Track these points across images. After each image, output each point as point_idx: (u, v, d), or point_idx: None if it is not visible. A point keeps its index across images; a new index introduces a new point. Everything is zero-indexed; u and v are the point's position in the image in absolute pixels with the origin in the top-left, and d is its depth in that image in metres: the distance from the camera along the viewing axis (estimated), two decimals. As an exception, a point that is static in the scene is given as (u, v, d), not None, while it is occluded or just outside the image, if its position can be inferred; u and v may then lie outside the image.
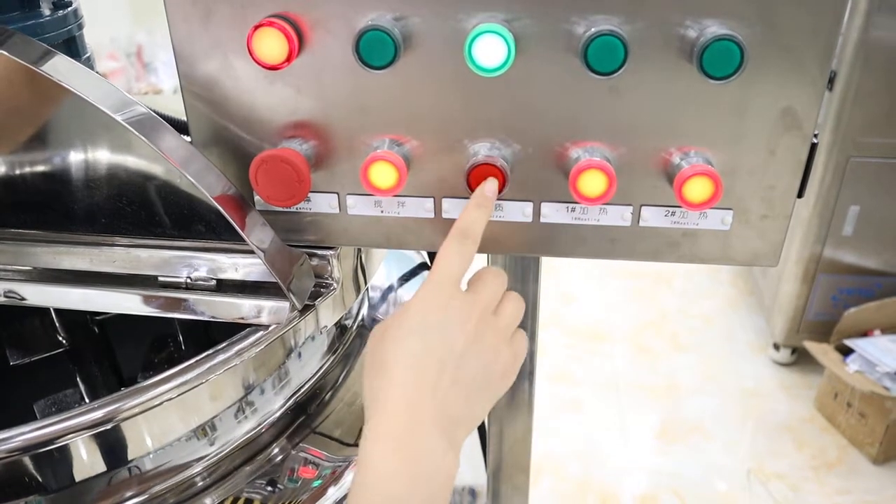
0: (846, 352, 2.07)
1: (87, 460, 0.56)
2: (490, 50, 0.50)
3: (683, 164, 0.54)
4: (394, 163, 0.53)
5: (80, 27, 0.72)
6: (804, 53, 0.51)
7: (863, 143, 1.95)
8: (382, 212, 0.59)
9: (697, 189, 0.53)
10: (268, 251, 0.56)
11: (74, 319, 0.78)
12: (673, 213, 0.57)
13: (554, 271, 2.66)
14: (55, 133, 0.60)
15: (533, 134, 0.55)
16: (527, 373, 0.79)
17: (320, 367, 0.72)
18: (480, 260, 0.70)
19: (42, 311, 0.76)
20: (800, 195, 0.57)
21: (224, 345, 0.58)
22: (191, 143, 0.58)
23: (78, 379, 0.82)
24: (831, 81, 1.93)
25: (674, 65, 0.51)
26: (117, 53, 3.04)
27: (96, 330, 0.80)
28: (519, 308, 0.55)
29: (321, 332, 0.70)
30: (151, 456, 0.59)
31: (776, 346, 2.30)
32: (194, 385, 0.56)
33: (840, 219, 2.05)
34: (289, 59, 0.52)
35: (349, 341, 0.78)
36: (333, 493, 0.65)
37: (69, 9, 0.70)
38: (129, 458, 0.58)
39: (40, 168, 0.62)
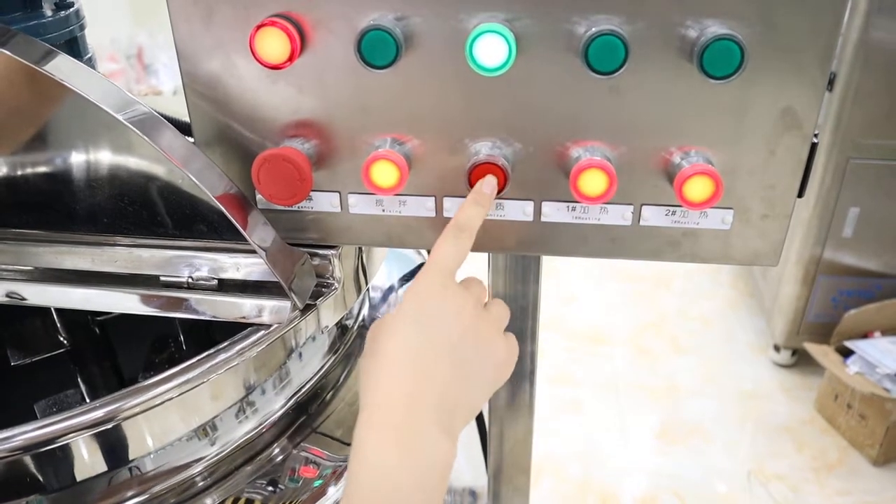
0: (846, 353, 2.07)
1: (87, 460, 0.56)
2: (491, 49, 0.50)
3: (684, 163, 0.54)
4: (395, 162, 0.53)
5: (82, 28, 0.72)
6: (804, 53, 0.51)
7: (863, 144, 1.95)
8: (384, 211, 0.59)
9: (698, 188, 0.53)
10: (269, 250, 0.56)
11: (76, 320, 0.78)
12: (673, 213, 0.57)
13: (554, 272, 2.66)
14: (57, 133, 0.60)
15: (534, 133, 0.55)
16: (527, 373, 0.79)
17: (321, 367, 0.72)
18: (482, 259, 0.70)
19: (43, 312, 0.76)
20: (800, 195, 0.57)
21: (225, 344, 0.58)
22: (193, 142, 0.58)
23: (79, 379, 0.82)
24: (831, 82, 1.93)
25: (674, 64, 0.51)
26: (117, 55, 3.04)
27: (97, 330, 0.80)
28: (505, 310, 0.55)
29: (322, 332, 0.70)
30: (152, 456, 0.59)
31: (776, 348, 2.30)
32: (195, 385, 0.56)
33: (840, 220, 2.05)
34: (291, 59, 0.52)
35: (350, 341, 0.78)
36: (334, 492, 0.65)
37: (71, 9, 0.70)
38: (130, 457, 0.58)
39: (42, 168, 0.62)
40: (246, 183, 0.57)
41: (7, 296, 0.64)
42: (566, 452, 1.99)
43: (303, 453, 0.68)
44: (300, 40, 0.52)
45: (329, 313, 0.65)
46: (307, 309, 0.60)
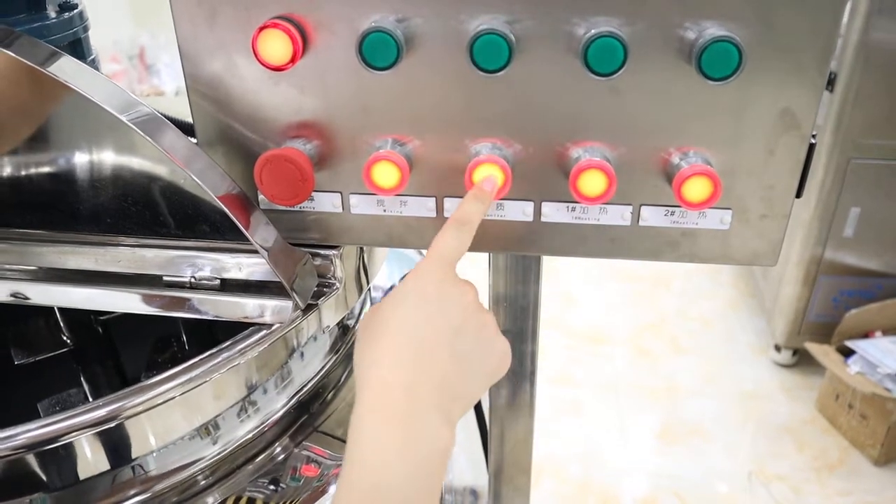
0: (847, 353, 2.07)
1: (90, 458, 0.57)
2: (491, 51, 0.50)
3: (683, 163, 0.54)
4: (396, 162, 0.54)
5: (86, 29, 0.72)
6: (802, 54, 0.51)
7: (863, 144, 1.95)
8: (385, 211, 0.60)
9: (696, 189, 0.53)
10: (271, 250, 0.57)
11: (79, 319, 0.78)
12: (672, 213, 0.58)
13: (554, 273, 2.66)
14: (61, 133, 0.60)
15: (534, 134, 0.55)
16: (528, 374, 0.79)
17: (322, 367, 0.73)
18: (482, 259, 0.70)
19: (47, 311, 0.77)
20: (798, 195, 0.57)
21: (227, 344, 0.58)
22: (196, 142, 0.59)
23: (82, 379, 0.82)
24: (832, 83, 1.93)
25: (673, 66, 0.52)
26: (120, 56, 3.05)
27: (100, 330, 0.80)
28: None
29: (323, 332, 0.71)
30: (154, 454, 0.59)
31: (777, 348, 2.30)
32: (197, 384, 0.56)
33: (841, 220, 2.05)
34: (293, 60, 0.52)
35: (351, 341, 0.78)
36: (335, 491, 0.65)
37: (75, 11, 0.70)
38: (133, 456, 0.58)
39: (46, 168, 0.62)
40: (248, 183, 0.58)
41: (11, 295, 0.64)
42: (566, 453, 2.00)
43: (304, 452, 0.68)
44: (302, 42, 0.52)
45: (330, 313, 0.65)
46: (309, 309, 0.61)
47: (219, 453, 0.63)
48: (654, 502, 1.88)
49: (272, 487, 0.65)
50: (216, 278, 0.61)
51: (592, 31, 0.50)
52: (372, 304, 0.85)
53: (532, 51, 0.52)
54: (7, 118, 0.60)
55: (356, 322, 0.79)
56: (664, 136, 0.55)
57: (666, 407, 2.16)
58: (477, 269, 0.69)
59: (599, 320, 2.52)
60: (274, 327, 0.59)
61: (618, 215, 0.58)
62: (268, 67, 0.52)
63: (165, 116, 0.56)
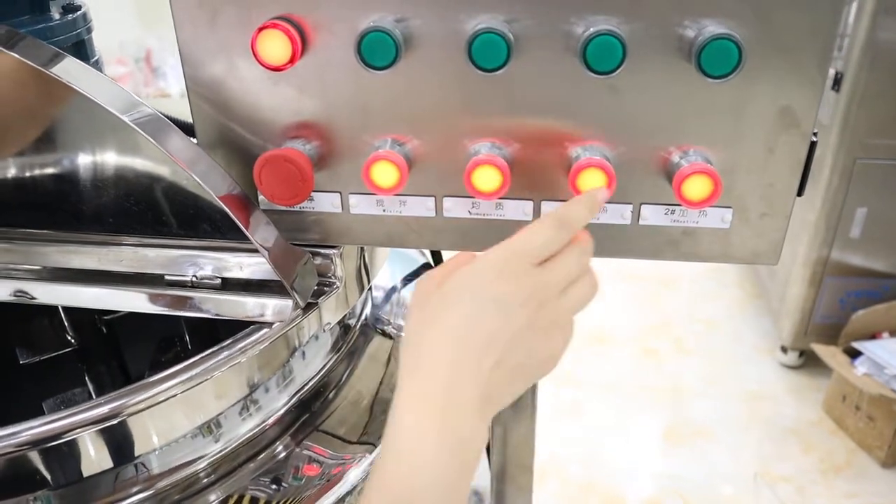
0: (854, 354, 2.06)
1: (94, 456, 0.57)
2: (490, 50, 0.50)
3: (683, 162, 0.54)
4: (395, 162, 0.54)
5: (89, 31, 0.73)
6: (802, 52, 0.51)
7: (870, 144, 1.94)
8: (384, 211, 0.60)
9: (697, 187, 0.53)
10: (272, 250, 0.57)
11: (83, 319, 0.79)
12: (672, 212, 0.58)
13: (559, 274, 2.65)
14: (65, 134, 0.61)
15: (533, 133, 0.55)
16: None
17: (324, 366, 0.73)
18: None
19: (51, 311, 0.77)
20: (799, 193, 0.57)
21: (227, 342, 0.58)
22: (197, 143, 0.59)
23: (86, 378, 0.83)
24: (838, 83, 1.92)
25: (672, 64, 0.52)
26: (126, 58, 3.07)
27: (104, 330, 0.81)
28: (589, 295, 0.51)
29: (324, 331, 0.71)
30: (157, 452, 0.60)
31: (783, 349, 2.29)
32: (198, 382, 0.57)
33: (847, 221, 2.04)
34: (292, 61, 0.52)
35: (353, 340, 0.78)
36: (337, 490, 0.65)
37: (78, 13, 0.71)
38: (136, 454, 0.59)
39: (50, 168, 0.63)
40: (249, 183, 0.58)
41: (17, 294, 0.65)
42: (570, 454, 1.99)
43: (305, 451, 0.68)
44: (301, 42, 0.52)
45: (331, 312, 0.66)
46: (309, 308, 0.61)
47: (220, 451, 0.64)
48: (659, 503, 1.87)
49: (274, 486, 0.65)
50: (217, 277, 0.62)
51: (591, 29, 0.50)
52: (374, 303, 0.85)
53: (531, 50, 0.52)
54: (11, 120, 0.61)
55: (357, 321, 0.80)
56: (664, 134, 0.55)
57: (671, 408, 2.16)
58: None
59: (604, 321, 2.52)
60: (274, 326, 0.60)
61: (618, 214, 0.58)
62: (267, 68, 0.53)
63: (168, 117, 0.56)
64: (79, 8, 0.72)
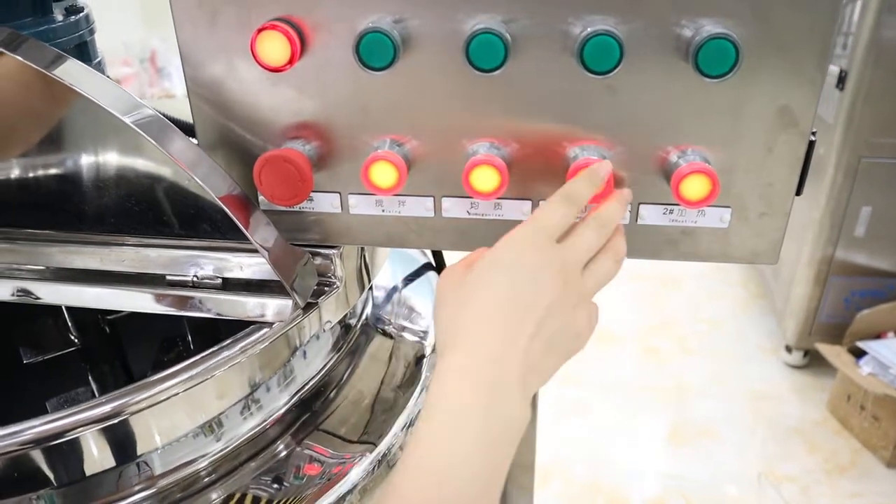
0: (859, 354, 2.05)
1: (96, 455, 0.57)
2: (488, 51, 0.50)
3: (681, 161, 0.54)
4: (394, 162, 0.54)
5: (92, 32, 0.73)
6: (800, 52, 0.51)
7: (874, 143, 1.94)
8: (384, 211, 0.60)
9: (695, 187, 0.53)
10: (272, 250, 0.57)
11: (86, 319, 0.79)
12: (671, 211, 0.58)
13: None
14: (67, 135, 0.61)
15: (531, 133, 0.56)
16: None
17: (325, 365, 0.73)
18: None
19: (55, 311, 0.78)
20: (798, 192, 0.57)
21: (228, 342, 0.59)
22: (197, 144, 0.59)
23: (89, 377, 0.83)
24: (842, 81, 1.92)
25: (670, 64, 0.52)
26: (131, 59, 3.08)
27: (107, 329, 0.81)
28: (612, 271, 0.53)
29: (324, 330, 0.71)
30: (159, 451, 0.60)
31: (788, 349, 2.29)
32: (200, 381, 0.57)
33: (852, 220, 2.04)
34: (291, 62, 0.53)
35: (353, 339, 0.79)
36: (338, 489, 0.65)
37: (80, 14, 0.71)
38: (138, 453, 0.59)
39: (53, 169, 0.63)
40: (249, 184, 0.58)
41: (20, 294, 0.65)
42: (574, 454, 1.99)
43: (306, 451, 0.68)
44: (300, 43, 0.53)
45: (331, 311, 0.66)
46: (309, 308, 0.61)
47: (222, 450, 0.64)
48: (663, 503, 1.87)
49: (275, 485, 0.66)
50: (218, 277, 0.62)
51: (588, 29, 0.50)
52: (374, 302, 0.86)
53: (528, 50, 0.52)
54: (14, 121, 0.61)
55: (358, 320, 0.80)
56: (662, 134, 0.55)
57: (675, 408, 2.15)
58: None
59: (607, 320, 2.50)
60: (274, 326, 0.60)
61: (616, 214, 0.58)
62: (267, 69, 0.53)
63: (169, 118, 0.57)
64: (81, 10, 0.72)
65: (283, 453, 0.67)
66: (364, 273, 0.70)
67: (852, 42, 1.88)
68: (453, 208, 0.59)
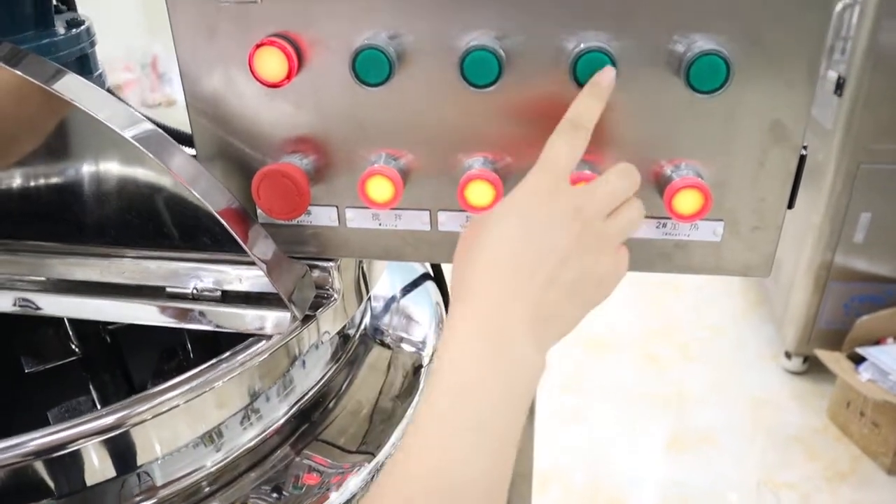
0: (858, 360, 2.05)
1: (97, 466, 0.58)
2: (482, 67, 0.51)
3: (674, 176, 0.55)
4: (390, 177, 0.55)
5: (93, 45, 0.74)
6: (790, 67, 0.52)
7: (873, 149, 1.94)
8: (380, 224, 0.61)
9: (688, 201, 0.54)
10: (270, 263, 0.58)
11: (87, 329, 0.80)
12: (664, 225, 0.58)
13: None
14: (68, 148, 0.62)
15: (526, 148, 0.56)
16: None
17: (324, 375, 0.74)
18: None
19: (56, 321, 0.78)
20: (790, 206, 0.57)
21: (228, 354, 0.59)
22: (196, 156, 0.60)
23: (90, 387, 0.84)
24: (841, 87, 1.92)
25: (662, 79, 0.52)
26: (133, 65, 3.09)
27: (108, 339, 0.82)
28: (635, 219, 0.51)
29: (323, 342, 0.72)
30: (160, 462, 0.61)
31: (787, 355, 2.29)
32: (200, 392, 0.57)
33: (851, 226, 2.04)
34: (289, 77, 0.53)
35: (352, 349, 0.79)
36: (336, 499, 0.66)
37: (82, 27, 0.72)
38: (139, 463, 0.60)
39: (53, 182, 0.64)
40: (247, 196, 0.59)
41: (22, 305, 0.66)
42: (574, 461, 2.00)
43: (305, 461, 0.69)
44: (297, 59, 0.53)
45: (329, 323, 0.67)
46: (307, 319, 0.62)
47: (222, 460, 0.64)
48: (663, 510, 1.88)
49: (274, 495, 0.66)
50: (217, 290, 0.62)
51: (581, 45, 0.51)
52: (373, 313, 0.86)
53: (522, 66, 0.53)
54: (16, 134, 0.62)
55: (357, 331, 0.81)
56: (654, 148, 0.55)
57: (675, 415, 2.15)
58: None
59: (608, 327, 2.52)
60: (273, 338, 0.61)
61: (610, 227, 0.59)
62: (264, 84, 0.54)
63: (169, 129, 0.58)
64: (82, 23, 0.73)
65: (283, 463, 0.68)
66: (362, 284, 0.71)
67: (850, 47, 1.88)
68: (449, 222, 0.60)
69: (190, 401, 0.57)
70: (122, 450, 0.58)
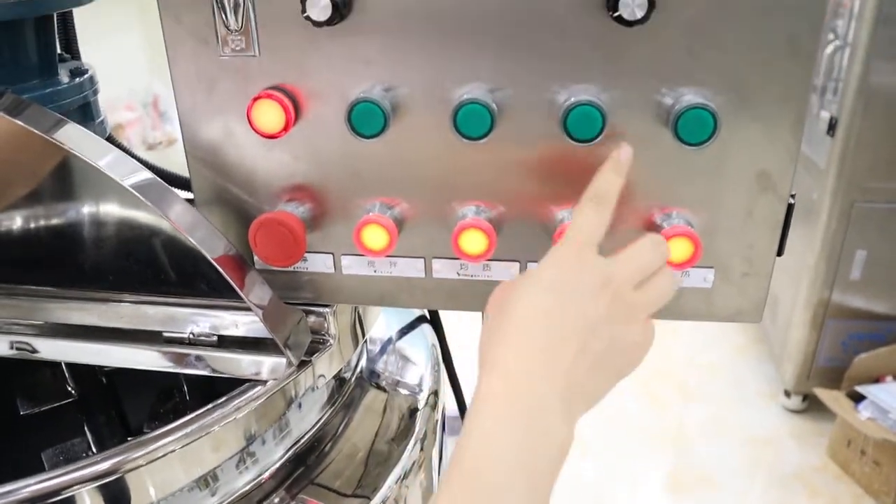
0: (858, 398, 2.05)
1: (91, 512, 0.58)
2: (475, 120, 0.52)
3: (664, 224, 0.56)
4: (385, 226, 0.56)
5: (95, 93, 0.76)
6: (776, 120, 0.53)
7: (867, 187, 1.96)
8: (376, 272, 0.62)
9: (678, 249, 0.55)
10: (266, 309, 0.58)
11: (83, 371, 0.80)
12: (656, 272, 0.59)
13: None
14: (69, 196, 0.63)
15: (518, 197, 0.57)
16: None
17: (320, 419, 0.73)
18: (476, 318, 0.71)
19: (52, 363, 0.79)
20: (779, 254, 0.58)
21: (224, 399, 0.60)
22: (194, 201, 0.61)
23: (86, 428, 0.83)
24: (833, 128, 1.95)
25: (651, 131, 0.54)
26: (134, 104, 3.13)
27: (104, 381, 0.82)
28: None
29: (318, 387, 0.72)
30: (154, 506, 0.61)
31: (787, 393, 2.28)
32: (196, 437, 0.58)
33: (847, 263, 2.05)
34: (286, 129, 0.55)
35: (348, 392, 0.79)
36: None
37: (85, 76, 0.74)
38: (133, 509, 0.60)
39: (53, 228, 0.65)
40: (244, 243, 0.60)
41: (19, 349, 0.66)
42: (573, 499, 1.97)
43: (300, 505, 0.69)
44: (294, 111, 0.55)
45: (325, 367, 0.67)
46: (303, 365, 0.62)
47: (217, 505, 0.64)
48: (664, 551, 1.85)
49: (270, 540, 0.66)
50: (214, 335, 0.63)
51: (571, 98, 0.52)
52: (369, 356, 0.86)
53: (514, 118, 0.54)
54: (17, 180, 0.63)
55: (353, 374, 0.81)
56: (645, 197, 0.56)
57: (673, 453, 2.14)
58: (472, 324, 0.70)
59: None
60: (269, 383, 0.61)
61: (602, 274, 0.60)
62: (262, 135, 0.55)
63: (164, 172, 0.58)
64: (86, 71, 0.75)
65: (278, 508, 0.68)
66: (358, 328, 0.71)
67: (841, 88, 1.92)
68: (443, 269, 0.60)
69: (186, 446, 0.57)
70: (116, 495, 0.58)
